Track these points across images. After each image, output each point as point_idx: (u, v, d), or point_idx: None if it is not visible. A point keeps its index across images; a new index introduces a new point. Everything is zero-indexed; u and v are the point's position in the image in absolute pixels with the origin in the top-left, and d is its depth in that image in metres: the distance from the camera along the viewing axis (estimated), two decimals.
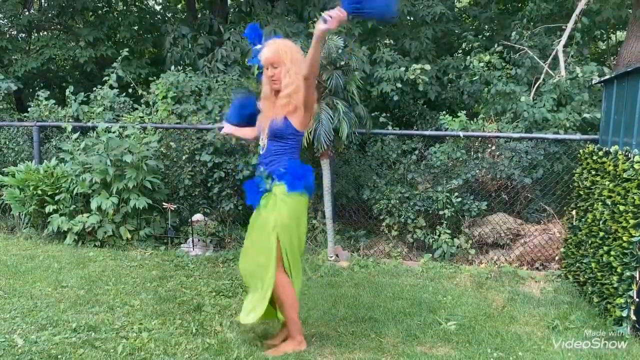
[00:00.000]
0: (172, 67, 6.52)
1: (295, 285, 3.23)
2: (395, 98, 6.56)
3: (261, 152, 3.23)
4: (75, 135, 5.81)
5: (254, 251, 3.21)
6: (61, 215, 5.62)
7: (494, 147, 5.54)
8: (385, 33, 8.04)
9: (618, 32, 10.22)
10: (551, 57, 6.38)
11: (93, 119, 6.30)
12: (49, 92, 6.91)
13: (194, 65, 7.96)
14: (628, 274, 3.50)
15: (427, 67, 6.24)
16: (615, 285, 3.63)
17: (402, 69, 6.64)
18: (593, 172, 4.27)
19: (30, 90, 10.17)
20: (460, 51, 7.35)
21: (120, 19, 10.38)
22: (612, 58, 8.88)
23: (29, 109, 6.78)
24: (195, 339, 3.39)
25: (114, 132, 5.58)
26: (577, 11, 6.45)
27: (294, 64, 3.08)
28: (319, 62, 3.06)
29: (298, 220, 3.17)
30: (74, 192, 5.56)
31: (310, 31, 7.15)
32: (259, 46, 3.22)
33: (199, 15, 9.92)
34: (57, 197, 5.63)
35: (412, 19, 8.40)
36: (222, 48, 7.73)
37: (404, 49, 7.79)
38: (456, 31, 8.57)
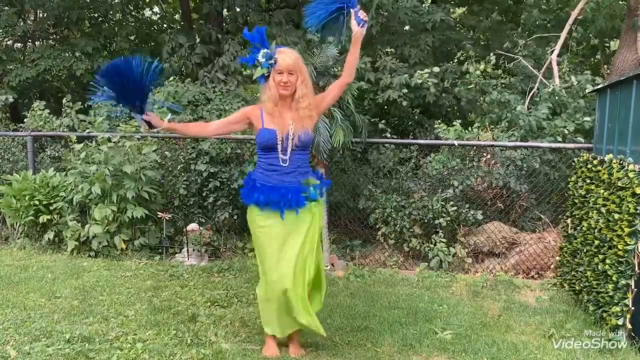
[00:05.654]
0: (171, 77, 6.52)
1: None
2: (404, 104, 6.54)
3: (282, 163, 3.20)
4: (79, 146, 5.79)
5: (303, 255, 3.24)
6: (57, 224, 5.60)
7: (489, 156, 5.56)
8: (385, 41, 8.05)
9: (612, 42, 10.30)
10: (545, 66, 6.43)
11: (88, 128, 6.29)
12: (45, 104, 6.90)
13: (192, 75, 7.96)
14: (623, 282, 3.50)
15: (436, 69, 6.25)
16: (611, 293, 3.63)
17: (406, 75, 6.66)
18: (588, 181, 4.28)
19: (26, 100, 10.15)
20: (455, 60, 7.39)
21: (116, 29, 10.40)
22: (605, 67, 8.94)
23: (25, 120, 6.76)
24: (189, 350, 3.37)
25: (115, 142, 5.58)
26: (570, 20, 6.51)
27: (306, 75, 3.23)
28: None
29: None
30: (73, 201, 5.54)
31: (308, 38, 7.18)
32: (265, 50, 3.19)
33: (194, 26, 9.95)
34: (52, 207, 5.61)
35: (408, 27, 8.44)
36: (222, 57, 7.74)
37: (403, 56, 7.81)
38: (454, 38, 8.61)
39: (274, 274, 3.16)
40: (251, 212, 3.28)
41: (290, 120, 3.20)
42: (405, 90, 6.54)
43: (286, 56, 3.16)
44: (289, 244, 3.19)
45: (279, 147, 3.18)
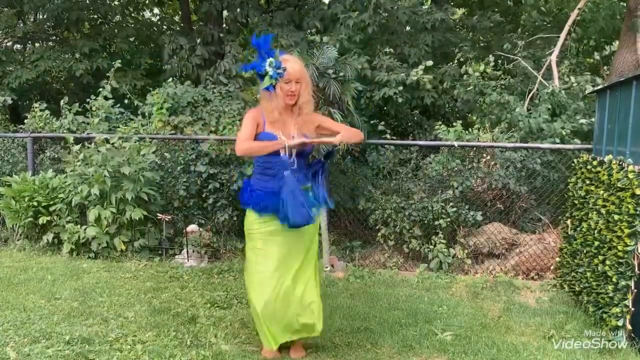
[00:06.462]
0: (171, 79, 6.52)
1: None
2: (400, 100, 6.55)
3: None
4: (77, 147, 5.78)
5: (303, 267, 3.26)
6: (56, 226, 5.59)
7: (488, 157, 5.56)
8: (384, 41, 8.06)
9: (611, 43, 10.31)
10: (545, 67, 6.43)
11: (86, 130, 6.28)
12: (46, 105, 6.90)
13: (192, 77, 7.95)
14: (623, 283, 3.50)
15: (430, 62, 6.25)
16: (611, 294, 3.63)
17: (403, 74, 6.66)
18: (587, 182, 4.28)
19: (26, 102, 10.16)
20: (455, 61, 7.39)
21: (116, 30, 10.40)
22: (605, 68, 8.95)
23: (25, 121, 6.76)
24: (189, 351, 3.36)
25: (113, 144, 5.57)
26: (570, 21, 6.52)
27: (309, 81, 3.27)
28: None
29: None
30: (72, 203, 5.53)
31: (310, 39, 7.19)
32: (271, 59, 3.15)
33: (194, 28, 9.96)
34: (51, 209, 5.61)
35: (408, 28, 8.45)
36: (225, 61, 7.74)
37: (402, 55, 7.81)
38: (452, 40, 8.61)
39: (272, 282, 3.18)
40: (250, 216, 3.29)
41: (293, 127, 3.20)
42: (400, 88, 6.54)
43: (294, 64, 3.17)
44: (293, 260, 3.23)
45: (283, 152, 3.16)
